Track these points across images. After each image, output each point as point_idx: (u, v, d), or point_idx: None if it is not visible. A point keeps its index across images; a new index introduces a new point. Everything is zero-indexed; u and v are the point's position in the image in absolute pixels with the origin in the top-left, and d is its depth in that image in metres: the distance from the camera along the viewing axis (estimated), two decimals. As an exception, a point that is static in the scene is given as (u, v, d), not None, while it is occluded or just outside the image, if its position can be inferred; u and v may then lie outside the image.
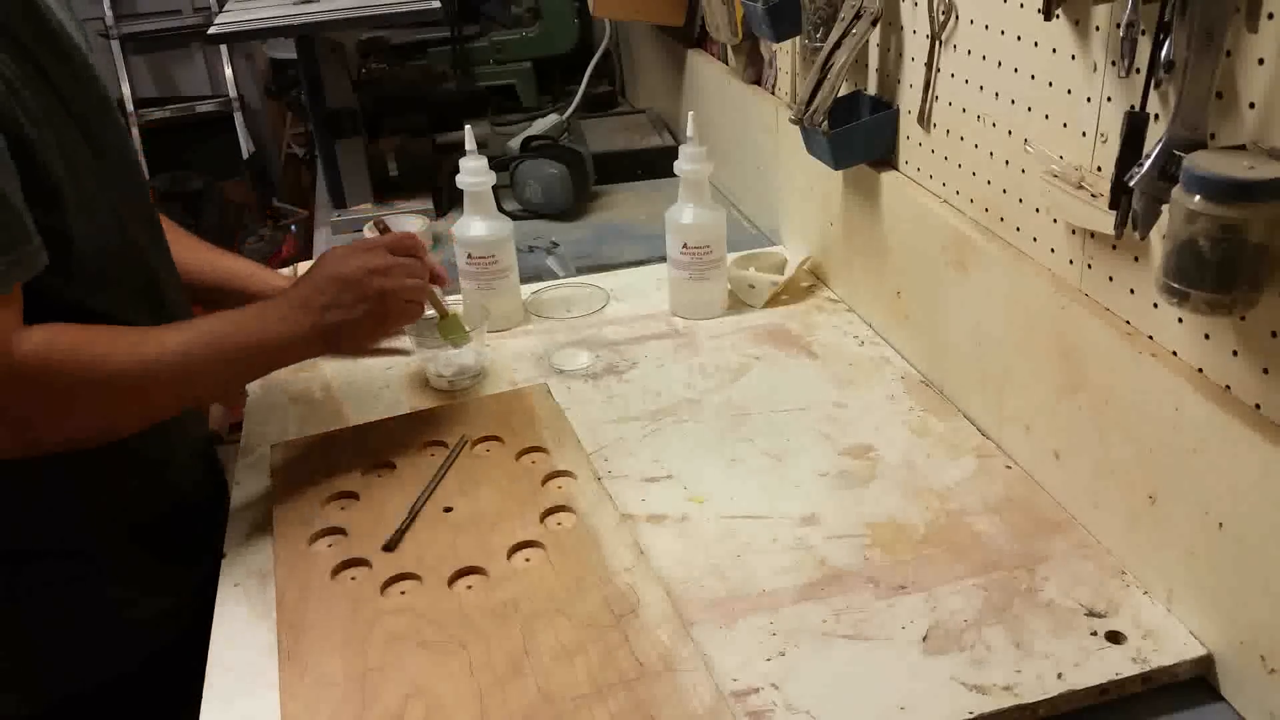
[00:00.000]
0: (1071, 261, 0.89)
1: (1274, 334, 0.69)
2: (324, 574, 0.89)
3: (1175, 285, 0.68)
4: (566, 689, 0.75)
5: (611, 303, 1.27)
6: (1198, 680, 0.78)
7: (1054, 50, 0.87)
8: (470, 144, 1.26)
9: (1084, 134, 0.85)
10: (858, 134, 1.16)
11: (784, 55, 1.42)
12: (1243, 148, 0.68)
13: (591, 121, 2.06)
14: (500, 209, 1.40)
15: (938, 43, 1.04)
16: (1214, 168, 0.64)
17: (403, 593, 0.87)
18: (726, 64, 1.67)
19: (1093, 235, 0.86)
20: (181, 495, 1.03)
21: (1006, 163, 0.96)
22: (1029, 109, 0.92)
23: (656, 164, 1.81)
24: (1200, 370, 0.76)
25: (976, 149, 1.01)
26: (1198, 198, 0.64)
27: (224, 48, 3.80)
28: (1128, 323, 0.83)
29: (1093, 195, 0.82)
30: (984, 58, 0.97)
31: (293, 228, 3.59)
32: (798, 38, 1.29)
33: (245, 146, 3.84)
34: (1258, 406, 0.71)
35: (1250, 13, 0.66)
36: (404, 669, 0.78)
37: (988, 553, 0.88)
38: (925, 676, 0.76)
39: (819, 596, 0.85)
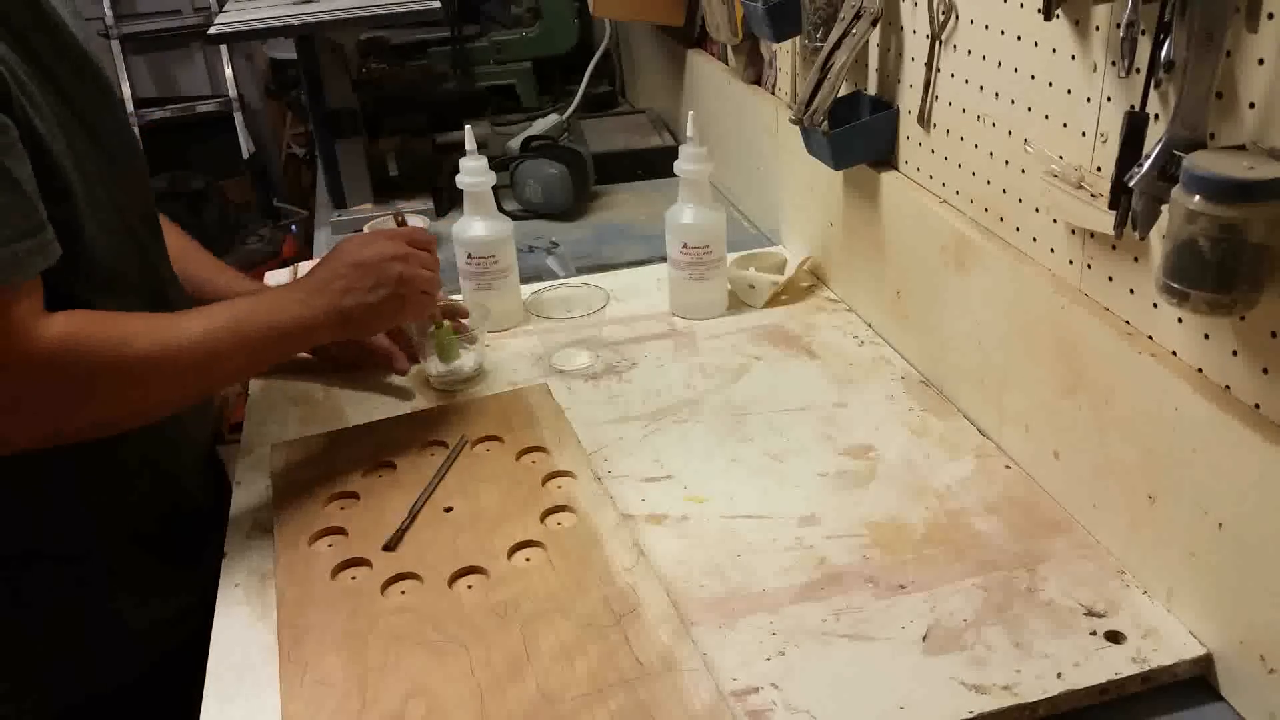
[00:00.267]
0: (1071, 261, 0.89)
1: (1274, 334, 0.69)
2: (324, 574, 0.89)
3: (1175, 285, 0.68)
4: (566, 689, 0.75)
5: (611, 303, 1.26)
6: (1198, 680, 0.78)
7: (1054, 50, 0.87)
8: (470, 144, 1.27)
9: (1084, 134, 0.85)
10: (858, 134, 1.16)
11: (784, 55, 1.42)
12: (1243, 148, 0.68)
13: (591, 121, 2.06)
14: (500, 209, 1.40)
15: (938, 43, 1.04)
16: (1214, 168, 0.64)
17: (403, 593, 0.87)
18: (726, 64, 1.67)
19: (1093, 235, 0.86)
20: (188, 501, 1.03)
21: (1006, 163, 0.96)
22: (1029, 109, 0.92)
23: (656, 164, 1.81)
24: (1200, 370, 0.76)
25: (976, 149, 1.01)
26: (1197, 198, 0.64)
27: (224, 48, 3.80)
28: (1127, 323, 0.83)
29: (1093, 195, 0.82)
30: (984, 58, 0.97)
31: (293, 228, 3.59)
32: (798, 38, 1.29)
33: (245, 146, 3.85)
34: (1257, 406, 0.71)
35: (1250, 13, 0.66)
36: (404, 669, 0.78)
37: (987, 553, 0.88)
38: (925, 676, 0.76)
39: (819, 596, 0.85)
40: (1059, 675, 0.76)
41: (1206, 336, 0.75)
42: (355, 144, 1.73)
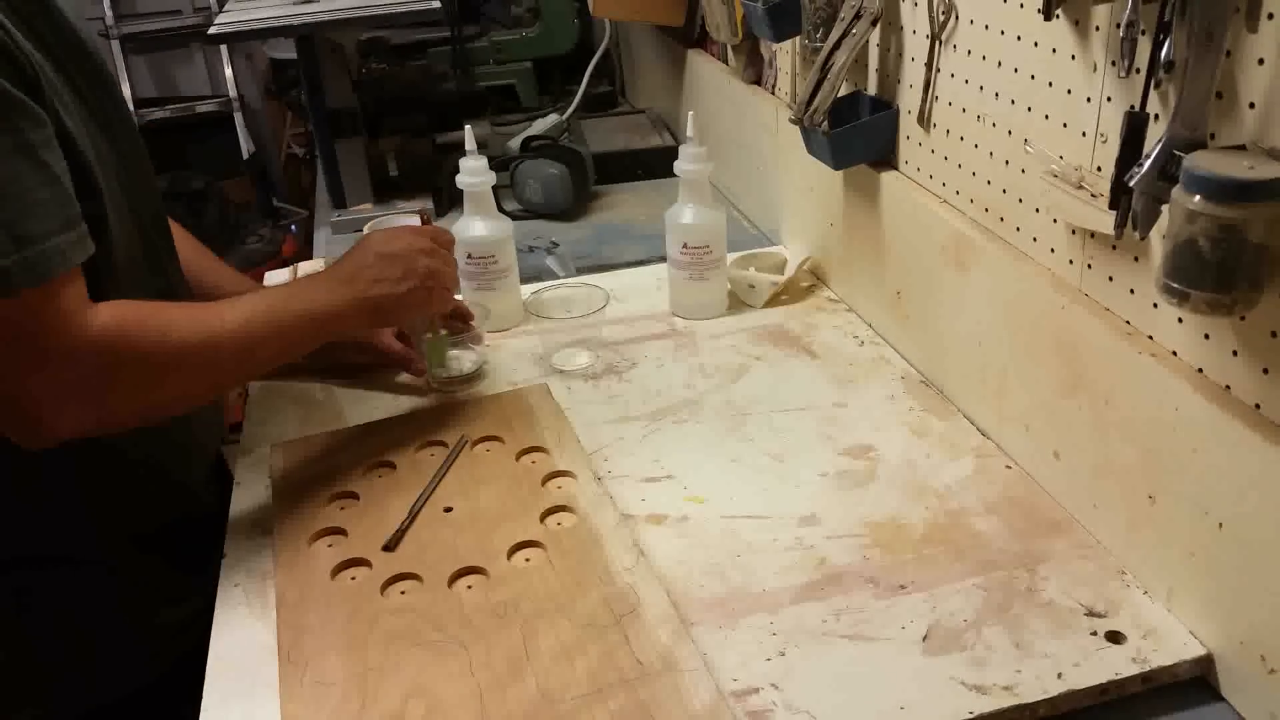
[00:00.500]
0: (1071, 261, 0.89)
1: (1274, 334, 0.69)
2: (324, 574, 0.89)
3: (1175, 285, 0.68)
4: (566, 689, 0.75)
5: (611, 303, 1.26)
6: (1198, 680, 0.77)
7: (1054, 50, 0.87)
8: (470, 144, 1.27)
9: (1084, 134, 0.85)
10: (858, 134, 1.16)
11: (784, 55, 1.42)
12: (1243, 148, 0.68)
13: (591, 121, 2.06)
14: (500, 209, 1.40)
15: (938, 43, 1.04)
16: (1214, 168, 0.64)
17: (403, 593, 0.87)
18: (726, 64, 1.67)
19: (1093, 235, 0.86)
20: (196, 507, 1.03)
21: (1006, 163, 0.96)
22: (1029, 109, 0.92)
23: (656, 164, 1.81)
24: (1200, 370, 0.76)
25: (976, 149, 1.01)
26: (1198, 198, 0.64)
27: (224, 48, 3.80)
28: (1128, 323, 0.83)
29: (1093, 195, 0.82)
30: (984, 58, 0.97)
31: (293, 228, 3.59)
32: (798, 38, 1.29)
33: (245, 146, 3.84)
34: (1258, 406, 0.71)
35: (1250, 13, 0.66)
36: (404, 669, 0.78)
37: (988, 553, 0.88)
38: (925, 676, 0.76)
39: (819, 596, 0.85)
40: (1059, 675, 0.76)
41: (1206, 336, 0.75)
42: (355, 144, 1.73)
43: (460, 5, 2.22)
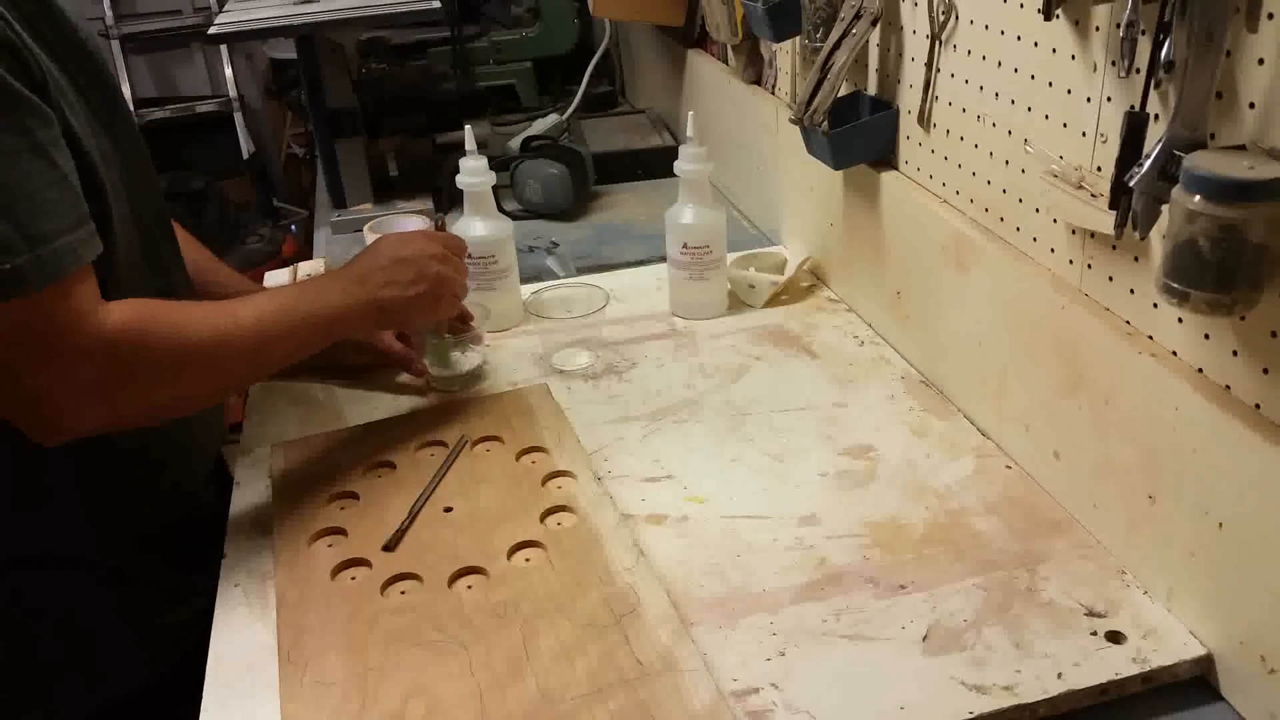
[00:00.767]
0: (1071, 261, 0.89)
1: (1274, 334, 0.69)
2: (324, 574, 0.89)
3: (1175, 285, 0.68)
4: (566, 689, 0.75)
5: (611, 303, 1.26)
6: (1198, 680, 0.77)
7: (1054, 50, 0.87)
8: (470, 144, 1.27)
9: (1084, 134, 0.85)
10: (858, 134, 1.16)
11: (784, 55, 1.42)
12: (1243, 148, 0.68)
13: (591, 121, 2.06)
14: (500, 209, 1.40)
15: (938, 43, 1.04)
16: (1214, 168, 0.64)
17: (403, 593, 0.87)
18: (726, 64, 1.67)
19: (1093, 235, 0.86)
20: (198, 508, 1.03)
21: (1006, 163, 0.96)
22: (1029, 109, 0.92)
23: (656, 164, 1.81)
24: (1200, 370, 0.76)
25: (976, 149, 1.01)
26: (1198, 198, 0.64)
27: (224, 48, 3.79)
28: (1128, 323, 0.83)
29: (1093, 195, 0.82)
30: (984, 58, 0.97)
31: (293, 228, 3.59)
32: (798, 38, 1.29)
33: (245, 146, 3.84)
34: (1258, 406, 0.71)
35: (1250, 13, 0.66)
36: (404, 669, 0.78)
37: (988, 553, 0.88)
38: (925, 676, 0.76)
39: (819, 596, 0.85)
40: (1059, 675, 0.76)
41: (1206, 336, 0.75)
42: (355, 144, 1.73)
43: (460, 5, 2.22)
